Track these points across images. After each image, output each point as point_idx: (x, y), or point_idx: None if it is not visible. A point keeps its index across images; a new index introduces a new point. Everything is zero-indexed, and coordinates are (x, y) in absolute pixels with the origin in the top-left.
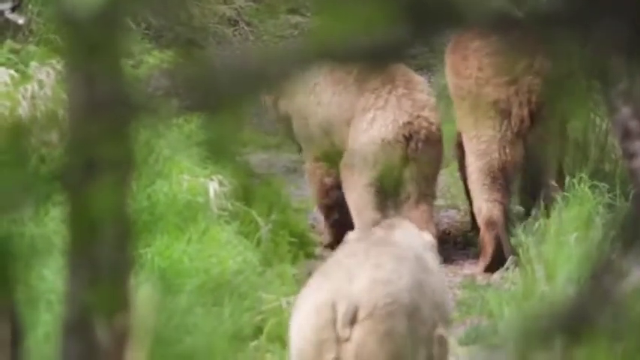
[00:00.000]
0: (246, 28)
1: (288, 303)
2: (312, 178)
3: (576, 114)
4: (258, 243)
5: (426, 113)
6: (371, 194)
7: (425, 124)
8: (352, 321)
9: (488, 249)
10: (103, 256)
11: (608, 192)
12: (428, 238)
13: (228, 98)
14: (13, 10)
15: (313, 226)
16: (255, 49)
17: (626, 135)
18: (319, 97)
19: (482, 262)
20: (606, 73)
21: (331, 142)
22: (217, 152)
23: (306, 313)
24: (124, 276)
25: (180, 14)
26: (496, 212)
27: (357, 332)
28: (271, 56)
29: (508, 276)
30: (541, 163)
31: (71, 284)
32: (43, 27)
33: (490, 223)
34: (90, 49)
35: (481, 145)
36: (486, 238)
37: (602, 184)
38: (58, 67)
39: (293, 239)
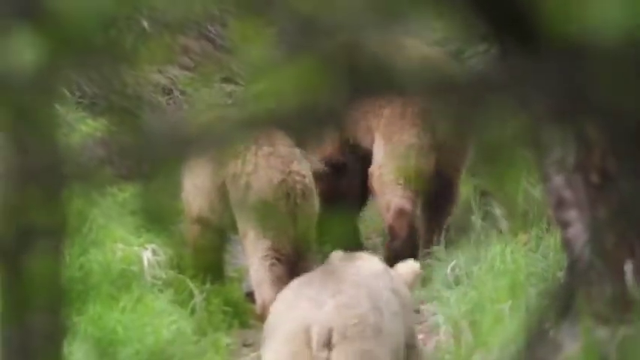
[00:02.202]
0: (180, 96)
1: None
2: (188, 239)
3: (509, 181)
4: (192, 312)
5: (295, 167)
6: (266, 268)
7: (298, 177)
8: (327, 343)
9: (401, 234)
10: (36, 324)
11: (541, 262)
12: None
13: (162, 166)
14: None
15: (247, 295)
16: (191, 116)
17: (560, 204)
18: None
19: (391, 247)
20: (539, 142)
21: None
22: (152, 221)
23: (280, 341)
24: (57, 344)
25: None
26: (408, 205)
27: (336, 353)
28: (209, 123)
29: (441, 345)
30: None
31: (4, 352)
32: None
33: (402, 213)
34: (23, 115)
35: (401, 149)
36: (397, 226)
37: (535, 254)
38: None
39: (227, 308)
